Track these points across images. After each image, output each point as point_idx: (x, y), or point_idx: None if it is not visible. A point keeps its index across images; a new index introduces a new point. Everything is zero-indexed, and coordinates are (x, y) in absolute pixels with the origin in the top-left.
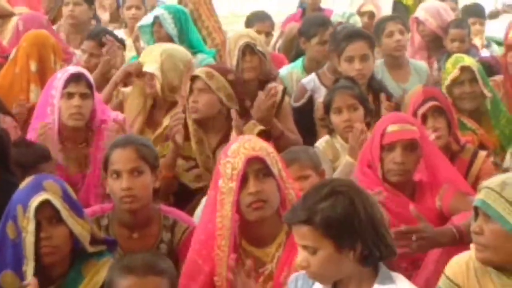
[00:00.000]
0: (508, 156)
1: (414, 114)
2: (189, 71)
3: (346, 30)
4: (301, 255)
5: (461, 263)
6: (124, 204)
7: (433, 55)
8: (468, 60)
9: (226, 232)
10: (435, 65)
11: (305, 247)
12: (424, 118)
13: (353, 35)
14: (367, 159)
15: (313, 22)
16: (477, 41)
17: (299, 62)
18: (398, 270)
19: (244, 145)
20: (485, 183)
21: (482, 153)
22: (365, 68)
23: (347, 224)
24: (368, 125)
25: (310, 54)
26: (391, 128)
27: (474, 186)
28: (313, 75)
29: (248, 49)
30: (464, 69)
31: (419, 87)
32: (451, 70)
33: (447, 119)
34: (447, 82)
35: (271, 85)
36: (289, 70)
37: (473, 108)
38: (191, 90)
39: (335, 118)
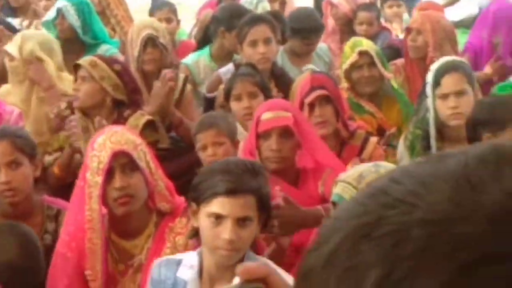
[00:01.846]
0: (401, 142)
1: (301, 102)
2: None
3: (249, 15)
4: (233, 230)
5: None
6: (5, 198)
7: (345, 38)
8: (367, 44)
9: (96, 225)
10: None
11: (242, 219)
12: (312, 106)
13: (255, 19)
14: (248, 147)
15: (235, 14)
16: (395, 25)
17: (206, 49)
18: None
19: (111, 138)
20: (341, 176)
21: (373, 139)
22: (268, 51)
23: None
24: None
25: (223, 43)
26: (265, 115)
27: None
28: (230, 65)
29: (150, 42)
30: (363, 53)
31: (307, 74)
32: (349, 54)
33: (335, 106)
34: (345, 66)
35: (166, 71)
36: (196, 58)
37: (372, 92)
38: (75, 79)
39: (234, 105)
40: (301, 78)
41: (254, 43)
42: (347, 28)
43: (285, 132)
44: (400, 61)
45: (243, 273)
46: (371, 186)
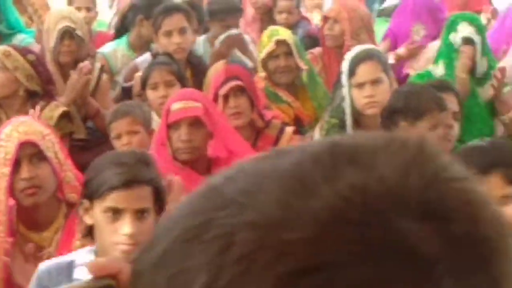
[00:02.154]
0: (316, 130)
1: (216, 93)
2: None
3: (164, 4)
4: (133, 223)
5: None
6: None
7: (265, 27)
8: (284, 33)
9: (2, 217)
10: None
11: (141, 212)
12: (226, 97)
13: (171, 8)
14: (159, 138)
15: (154, 2)
16: (315, 15)
17: (124, 39)
18: None
19: (18, 128)
20: None
21: (289, 129)
22: (184, 41)
23: None
24: None
25: (141, 32)
26: (175, 106)
27: None
28: (147, 55)
29: (67, 34)
30: (280, 42)
31: (221, 63)
32: (266, 43)
33: (249, 97)
34: (262, 55)
35: (83, 64)
36: (114, 47)
37: (289, 81)
38: None
39: (151, 94)
40: (215, 69)
41: (169, 33)
42: (267, 17)
43: (196, 122)
44: (317, 50)
45: (91, 269)
46: (208, 184)
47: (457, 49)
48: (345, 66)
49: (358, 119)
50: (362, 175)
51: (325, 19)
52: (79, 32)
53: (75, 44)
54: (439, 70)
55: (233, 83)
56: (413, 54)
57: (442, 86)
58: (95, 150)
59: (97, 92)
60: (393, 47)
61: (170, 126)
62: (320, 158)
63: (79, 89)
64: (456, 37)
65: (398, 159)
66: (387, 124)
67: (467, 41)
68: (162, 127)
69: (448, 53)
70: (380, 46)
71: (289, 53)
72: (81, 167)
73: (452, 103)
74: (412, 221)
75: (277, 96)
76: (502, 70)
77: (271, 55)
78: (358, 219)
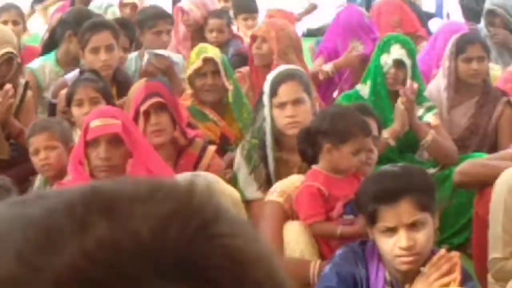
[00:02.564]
0: (238, 151)
1: (137, 110)
2: None
3: (91, 21)
4: None
5: None
6: None
7: (196, 45)
8: (212, 51)
9: None
10: None
11: None
12: (147, 114)
13: (98, 25)
14: (77, 156)
15: (83, 18)
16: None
17: (52, 54)
18: None
19: None
20: None
21: (211, 148)
22: (110, 58)
23: None
24: None
25: (69, 48)
26: (93, 123)
27: None
28: (77, 71)
29: (7, 59)
30: (207, 60)
31: (142, 81)
32: (194, 60)
33: (171, 114)
34: (189, 72)
35: (7, 87)
36: (41, 63)
37: (215, 100)
38: None
39: (76, 111)
40: (136, 86)
41: (96, 50)
42: (198, 35)
43: (115, 140)
44: (245, 69)
45: None
46: None
47: (386, 72)
48: (266, 86)
49: (279, 139)
50: (113, 229)
51: (253, 37)
52: (18, 59)
53: (12, 69)
54: (367, 90)
55: (153, 99)
56: (352, 63)
57: (364, 109)
58: (19, 167)
59: (22, 109)
60: (327, 61)
61: (89, 144)
62: (73, 207)
63: (2, 111)
64: (387, 59)
65: (160, 210)
66: (307, 146)
67: (398, 63)
68: (80, 145)
69: (375, 74)
70: (315, 63)
71: (216, 72)
72: None
73: (373, 128)
74: (167, 283)
75: (203, 114)
76: (411, 88)
77: (198, 73)
78: (102, 280)
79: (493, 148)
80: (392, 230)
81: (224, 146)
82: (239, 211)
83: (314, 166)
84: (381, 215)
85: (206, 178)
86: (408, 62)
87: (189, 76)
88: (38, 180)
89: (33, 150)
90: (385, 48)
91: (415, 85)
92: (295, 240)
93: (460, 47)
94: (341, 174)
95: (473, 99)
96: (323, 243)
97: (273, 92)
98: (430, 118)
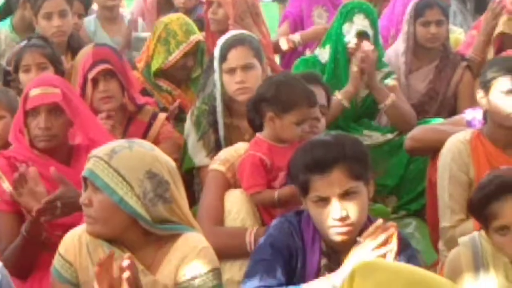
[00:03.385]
0: (188, 117)
1: (85, 77)
2: None
3: None
4: None
5: (73, 238)
6: None
7: (164, 13)
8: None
9: None
10: None
11: None
12: (95, 81)
13: None
14: (17, 125)
15: None
16: None
17: (7, 21)
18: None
19: None
20: (94, 151)
21: (162, 116)
22: (64, 24)
23: None
24: None
25: (24, 14)
26: (33, 92)
27: None
28: None
29: None
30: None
31: (89, 47)
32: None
33: (120, 80)
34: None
35: None
36: None
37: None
38: None
39: (23, 77)
40: (83, 51)
41: (49, 15)
42: (165, 3)
43: (54, 109)
44: (202, 34)
45: None
46: None
47: (347, 41)
48: (216, 51)
49: (230, 105)
50: None
51: (209, 2)
52: None
53: None
54: (325, 55)
55: (101, 66)
56: (319, 36)
57: (312, 78)
58: None
59: None
60: (293, 30)
61: (28, 113)
62: None
63: None
64: (350, 28)
65: None
66: (254, 113)
67: (362, 34)
68: (20, 114)
69: (336, 41)
70: (280, 29)
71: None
72: None
73: (320, 96)
74: None
75: (157, 85)
76: (367, 54)
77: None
78: None
79: (453, 113)
80: (324, 200)
81: (180, 114)
82: (174, 179)
83: (258, 134)
84: (313, 185)
85: (141, 145)
86: (371, 32)
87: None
88: None
89: None
90: (348, 16)
91: (371, 47)
92: (236, 209)
93: (419, 11)
94: (285, 143)
95: (432, 64)
96: (265, 212)
97: (223, 57)
98: (389, 82)
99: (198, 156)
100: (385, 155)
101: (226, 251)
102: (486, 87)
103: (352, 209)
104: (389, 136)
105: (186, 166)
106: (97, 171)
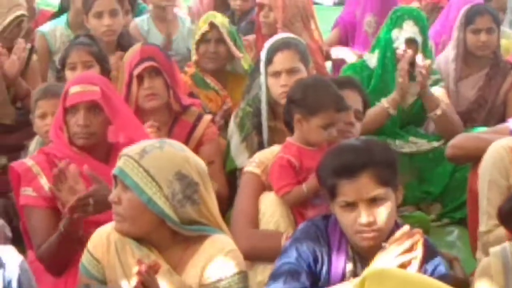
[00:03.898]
0: (232, 119)
1: (131, 75)
2: None
3: None
4: None
5: (102, 235)
6: None
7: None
8: (220, 19)
9: None
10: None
11: None
12: (141, 78)
13: None
14: (57, 122)
15: None
16: None
17: (63, 17)
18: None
19: None
20: (125, 150)
21: (207, 117)
22: (114, 23)
23: None
24: None
25: (80, 11)
26: (73, 89)
27: (197, 150)
28: None
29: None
30: (213, 26)
31: (138, 45)
32: (202, 25)
33: (165, 79)
34: (197, 37)
35: (19, 40)
36: (52, 26)
37: (215, 68)
38: None
39: (69, 75)
40: (131, 50)
41: (99, 14)
42: (221, 2)
43: (94, 107)
44: (252, 37)
45: None
46: None
47: (395, 48)
48: (263, 54)
49: (274, 108)
50: None
51: (260, 6)
52: (27, 23)
53: (21, 32)
54: (374, 60)
55: (147, 63)
56: None
57: (348, 82)
58: (20, 132)
59: (27, 73)
60: (343, 36)
61: (68, 110)
62: None
63: (18, 67)
64: (399, 34)
65: None
66: (287, 115)
67: (410, 41)
68: (60, 111)
69: (385, 46)
70: (330, 36)
71: (220, 40)
72: (7, 149)
73: (356, 101)
74: None
75: (205, 82)
76: (426, 66)
77: (203, 38)
78: None
79: (501, 122)
80: (352, 205)
81: (226, 115)
82: (203, 181)
83: (288, 138)
84: (341, 190)
85: (172, 145)
86: (420, 39)
87: (195, 42)
88: (34, 143)
89: (40, 113)
90: (398, 22)
91: (428, 62)
92: (270, 211)
93: (469, 18)
94: (314, 146)
95: (482, 72)
96: (299, 215)
97: (269, 60)
98: (437, 90)
99: (241, 158)
100: (430, 163)
101: (260, 253)
102: None
103: (379, 215)
104: (435, 144)
105: (229, 167)
106: (127, 170)
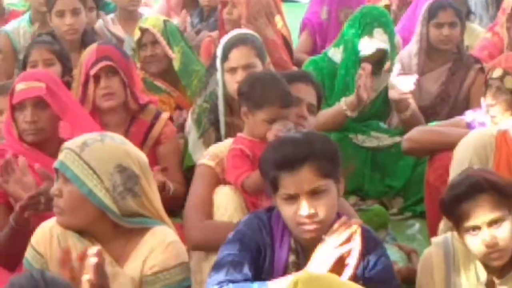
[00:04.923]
0: (189, 116)
1: (87, 74)
2: None
3: None
4: None
5: (45, 229)
6: None
7: (189, 11)
8: (150, 22)
9: None
10: (188, 20)
11: None
12: (97, 78)
13: None
14: (8, 119)
15: None
16: None
17: (26, 15)
18: None
19: None
20: (66, 143)
21: (165, 116)
22: (76, 22)
23: None
24: (66, 83)
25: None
26: (18, 87)
27: (154, 148)
28: None
29: None
30: (144, 31)
31: (94, 45)
32: (136, 32)
33: (122, 78)
34: (135, 45)
35: None
36: (16, 25)
37: (159, 70)
38: None
39: None
40: (88, 50)
41: (61, 13)
42: (190, 1)
43: (40, 103)
44: (216, 33)
45: None
46: None
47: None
48: (219, 50)
49: (231, 104)
50: None
51: (224, 3)
52: None
53: None
54: (339, 55)
55: (104, 63)
56: None
57: (302, 76)
58: None
59: None
60: (313, 37)
61: (16, 108)
62: None
63: None
64: (369, 43)
65: None
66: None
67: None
68: (9, 109)
69: (351, 51)
70: (301, 39)
71: (155, 42)
72: None
73: (309, 94)
74: None
75: (155, 86)
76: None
77: (140, 45)
78: None
79: None
80: (293, 198)
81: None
82: (144, 173)
83: (239, 133)
84: (282, 182)
85: (113, 139)
86: (388, 47)
87: (134, 48)
88: None
89: None
90: (366, 29)
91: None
92: (224, 204)
93: (432, 13)
94: (260, 140)
95: (445, 66)
96: (253, 207)
97: (225, 57)
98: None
99: (198, 154)
100: (392, 157)
101: (214, 245)
102: None
103: (320, 207)
104: (397, 138)
105: (187, 164)
106: (68, 163)
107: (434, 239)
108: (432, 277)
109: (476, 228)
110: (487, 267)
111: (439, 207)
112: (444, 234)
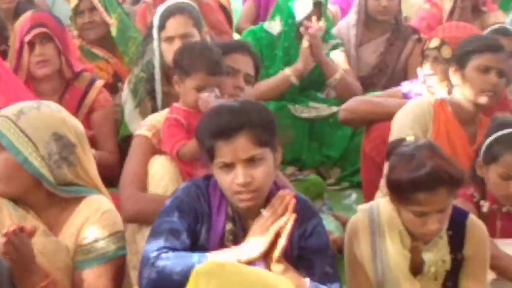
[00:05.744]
0: (125, 85)
1: (22, 42)
2: None
3: None
4: None
5: None
6: None
7: None
8: None
9: None
10: None
11: None
12: (32, 45)
13: None
14: None
15: None
16: None
17: None
18: None
19: None
20: (2, 111)
21: (99, 83)
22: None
23: None
24: (2, 53)
25: None
26: None
27: (88, 116)
28: None
29: None
30: None
31: (29, 12)
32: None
33: (57, 45)
34: (71, 12)
35: None
36: None
37: (97, 37)
38: None
39: None
40: (22, 17)
41: None
42: None
43: None
44: (152, 2)
45: None
46: None
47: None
48: (155, 19)
49: (168, 74)
50: None
51: None
52: None
53: None
54: (277, 27)
55: (38, 29)
56: None
57: (240, 46)
58: None
59: None
60: (257, 7)
61: None
62: None
63: None
64: (304, 1)
65: None
66: None
67: (317, 4)
68: None
69: (287, 16)
70: (244, 8)
71: (93, 8)
72: None
73: (246, 64)
74: None
75: (92, 53)
76: (315, 27)
77: (77, 12)
78: None
79: None
80: (229, 166)
81: (117, 83)
82: (80, 142)
83: (174, 103)
84: (218, 151)
85: (50, 107)
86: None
87: (70, 16)
88: None
89: None
90: None
91: (321, 24)
92: (160, 175)
93: None
94: (191, 108)
95: (383, 37)
96: (188, 177)
97: (162, 26)
98: (337, 55)
99: (135, 124)
100: (330, 128)
101: (147, 217)
102: (462, 62)
103: (256, 175)
104: (335, 109)
105: (123, 133)
106: (3, 130)
107: (360, 206)
108: (358, 243)
109: (423, 214)
110: (412, 234)
111: (387, 183)
112: (370, 202)
